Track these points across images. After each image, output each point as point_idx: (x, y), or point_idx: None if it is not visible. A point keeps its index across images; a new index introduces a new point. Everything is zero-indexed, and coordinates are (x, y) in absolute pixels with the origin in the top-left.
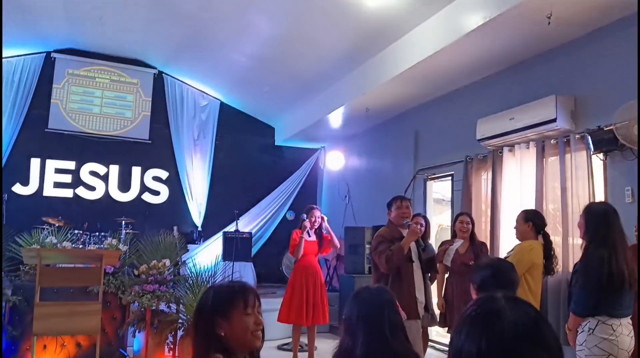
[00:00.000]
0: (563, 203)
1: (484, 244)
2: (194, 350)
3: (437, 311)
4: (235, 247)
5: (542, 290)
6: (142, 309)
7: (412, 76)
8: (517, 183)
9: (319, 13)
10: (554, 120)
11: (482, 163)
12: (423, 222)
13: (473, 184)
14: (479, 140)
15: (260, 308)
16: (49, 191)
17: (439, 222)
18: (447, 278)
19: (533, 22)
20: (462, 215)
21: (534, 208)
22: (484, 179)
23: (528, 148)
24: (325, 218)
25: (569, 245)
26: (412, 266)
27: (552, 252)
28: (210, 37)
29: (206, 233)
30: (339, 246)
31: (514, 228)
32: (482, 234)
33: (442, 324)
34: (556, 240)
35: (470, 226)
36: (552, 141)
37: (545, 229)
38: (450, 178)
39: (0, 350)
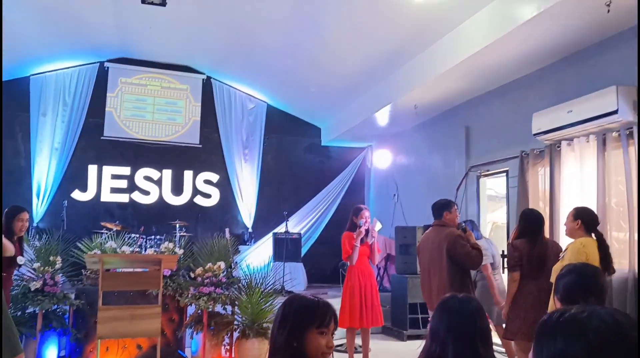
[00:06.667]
0: (628, 199)
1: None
2: None
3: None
4: (286, 248)
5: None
6: (199, 311)
7: (463, 70)
8: (577, 178)
9: (364, 12)
10: (616, 112)
11: (538, 158)
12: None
13: (530, 180)
14: (534, 134)
15: (335, 330)
16: (106, 196)
17: (493, 219)
18: None
19: (591, 9)
20: None
21: (595, 204)
22: (541, 175)
23: (588, 141)
24: (377, 227)
25: (634, 242)
26: None
27: (607, 251)
28: (256, 41)
29: (257, 234)
30: (375, 262)
31: (564, 224)
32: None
33: None
34: (620, 236)
35: None
36: (613, 134)
37: (598, 227)
38: (504, 174)
39: None
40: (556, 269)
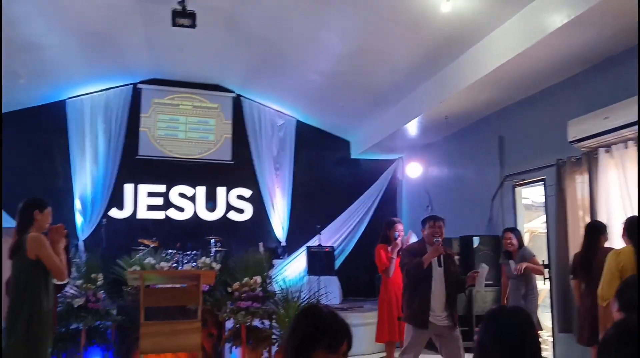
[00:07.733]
0: None
1: None
2: None
3: None
4: (319, 261)
5: None
6: (237, 325)
7: (493, 80)
8: (619, 185)
9: (391, 25)
10: None
11: (576, 166)
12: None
13: (567, 189)
14: (570, 142)
15: (346, 352)
16: (143, 213)
17: (531, 228)
18: None
19: (622, 15)
20: None
21: None
22: (579, 183)
23: (627, 147)
24: (413, 239)
25: None
26: (430, 280)
27: None
28: (284, 59)
29: (290, 248)
30: None
31: None
32: (579, 242)
33: None
34: None
35: None
36: None
37: None
38: (542, 183)
39: None
40: (604, 278)
